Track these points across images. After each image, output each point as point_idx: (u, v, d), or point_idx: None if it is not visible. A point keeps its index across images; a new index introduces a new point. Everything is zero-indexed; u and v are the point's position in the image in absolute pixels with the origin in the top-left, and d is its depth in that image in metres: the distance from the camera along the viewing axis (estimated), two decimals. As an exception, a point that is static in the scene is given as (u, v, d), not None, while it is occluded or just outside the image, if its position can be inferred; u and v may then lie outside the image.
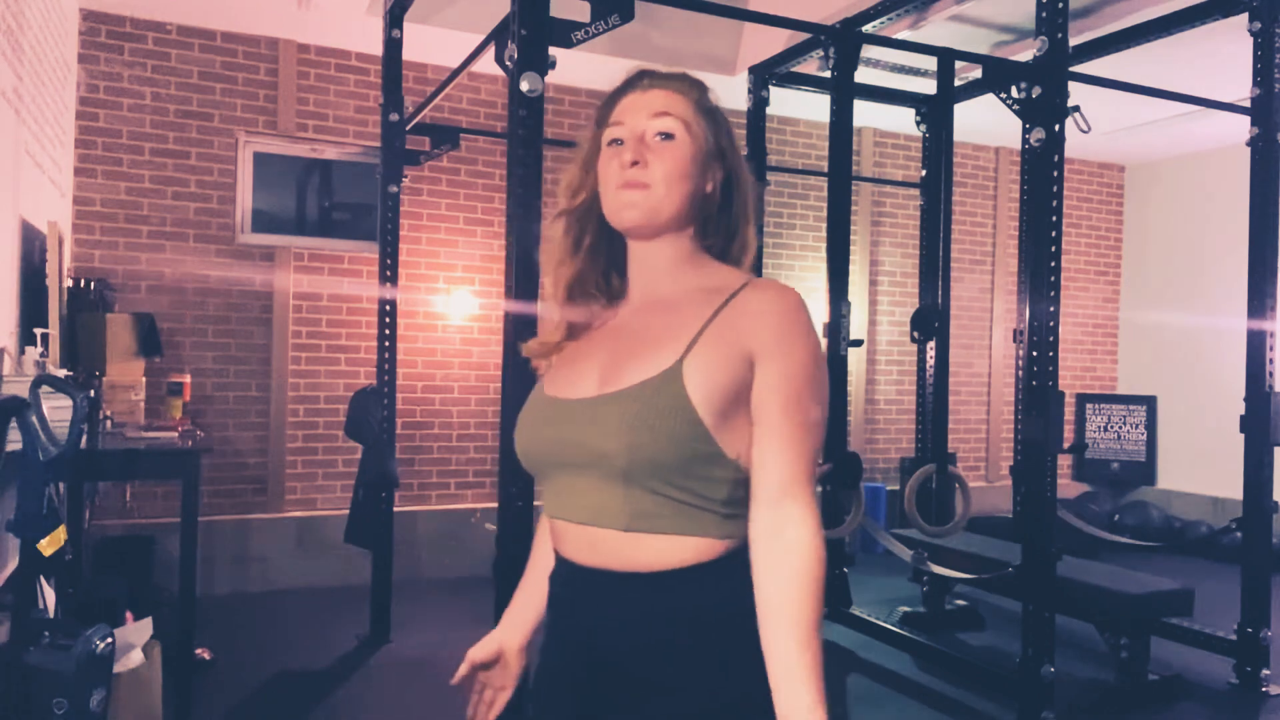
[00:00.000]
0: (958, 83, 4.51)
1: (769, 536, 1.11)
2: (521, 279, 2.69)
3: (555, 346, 1.29)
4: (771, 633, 1.08)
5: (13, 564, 2.66)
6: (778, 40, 4.57)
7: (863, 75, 4.12)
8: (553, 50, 2.71)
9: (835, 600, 4.49)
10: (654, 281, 1.24)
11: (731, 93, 4.73)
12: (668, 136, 1.20)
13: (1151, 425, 7.16)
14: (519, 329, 2.67)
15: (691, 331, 1.14)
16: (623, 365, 1.16)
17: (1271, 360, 3.90)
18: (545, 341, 1.30)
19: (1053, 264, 3.27)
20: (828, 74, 3.89)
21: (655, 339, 1.16)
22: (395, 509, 4.41)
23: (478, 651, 1.37)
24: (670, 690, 1.12)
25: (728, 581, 1.14)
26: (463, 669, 1.36)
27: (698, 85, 1.25)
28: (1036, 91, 3.29)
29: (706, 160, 1.22)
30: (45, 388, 2.43)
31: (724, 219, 1.26)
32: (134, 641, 2.82)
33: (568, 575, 1.22)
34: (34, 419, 2.30)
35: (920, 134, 4.97)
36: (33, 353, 3.09)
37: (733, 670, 1.12)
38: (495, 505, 2.84)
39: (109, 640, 2.37)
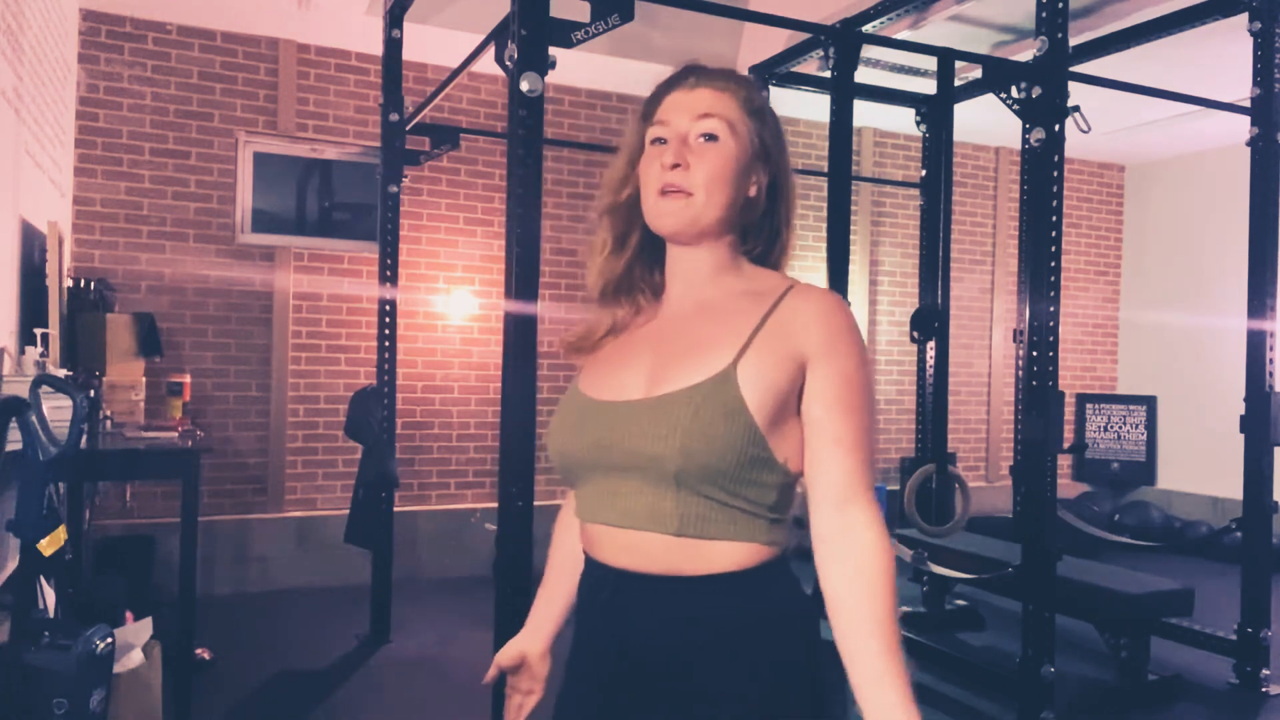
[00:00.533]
0: (958, 83, 4.50)
1: (836, 540, 1.09)
2: (521, 279, 2.68)
3: (598, 344, 1.26)
4: (851, 637, 1.06)
5: (13, 564, 2.65)
6: (778, 40, 4.57)
7: (863, 75, 4.11)
8: (553, 50, 2.71)
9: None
10: (694, 284, 1.22)
11: (731, 93, 4.72)
12: (711, 138, 1.17)
13: (1151, 425, 7.16)
14: (519, 329, 2.67)
15: (742, 335, 1.13)
16: (671, 368, 1.14)
17: (1271, 360, 3.90)
18: (589, 337, 1.27)
19: (1053, 264, 3.26)
20: (828, 74, 3.89)
21: (704, 342, 1.14)
22: (395, 509, 4.41)
23: (503, 656, 1.37)
24: (712, 695, 1.11)
25: (772, 586, 1.13)
26: (492, 672, 1.37)
27: (746, 83, 1.22)
28: (1036, 91, 3.28)
29: (751, 163, 1.20)
30: (45, 388, 2.43)
31: (767, 222, 1.24)
32: (134, 641, 2.82)
33: (602, 579, 1.19)
34: (34, 419, 2.30)
35: (920, 134, 4.97)
36: (33, 353, 3.09)
37: (775, 675, 1.11)
38: (495, 505, 2.84)
39: (109, 640, 2.37)
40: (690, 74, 1.21)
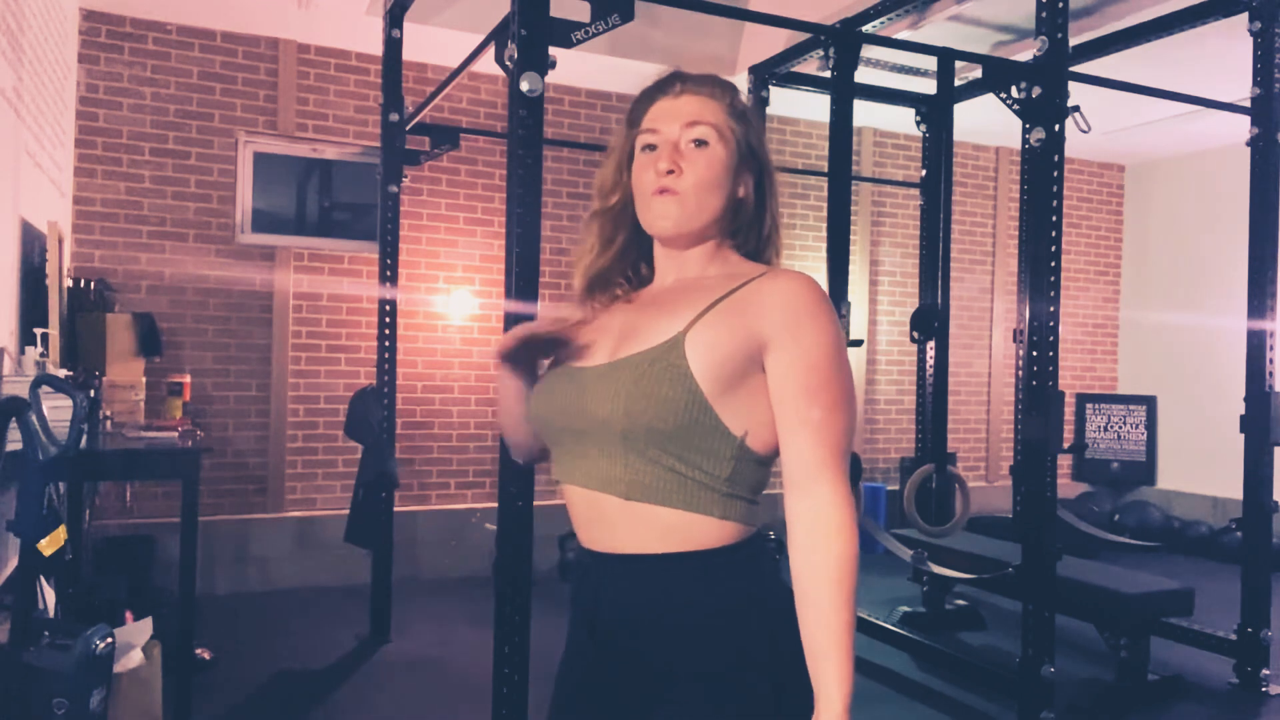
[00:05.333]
0: (958, 83, 4.51)
1: (798, 521, 1.13)
2: (521, 279, 2.68)
3: (571, 326, 1.29)
4: (802, 615, 1.11)
5: (13, 564, 2.66)
6: (778, 40, 4.57)
7: (863, 75, 4.11)
8: (553, 50, 2.71)
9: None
10: (680, 274, 1.27)
11: (731, 93, 4.72)
12: (701, 143, 1.21)
13: (1151, 425, 7.16)
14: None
15: (701, 306, 1.17)
16: (633, 337, 1.19)
17: (1271, 360, 3.90)
18: (562, 320, 1.29)
19: (1053, 264, 3.26)
20: (828, 74, 3.89)
21: (666, 314, 1.19)
22: (395, 509, 4.41)
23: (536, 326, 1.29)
24: (671, 677, 1.14)
25: (734, 572, 1.15)
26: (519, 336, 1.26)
27: (729, 89, 1.26)
28: (1036, 91, 3.28)
29: (739, 165, 1.24)
30: (45, 388, 2.43)
31: (756, 223, 1.28)
32: (134, 641, 2.82)
33: (580, 558, 1.25)
34: (34, 419, 2.30)
35: (920, 134, 4.97)
36: (33, 353, 3.10)
37: (737, 660, 1.14)
38: (495, 505, 2.84)
39: (109, 640, 2.37)
40: (675, 81, 1.26)
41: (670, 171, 1.20)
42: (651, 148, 1.23)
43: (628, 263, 1.30)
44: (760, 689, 1.13)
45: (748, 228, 1.27)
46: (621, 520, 1.16)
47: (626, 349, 1.18)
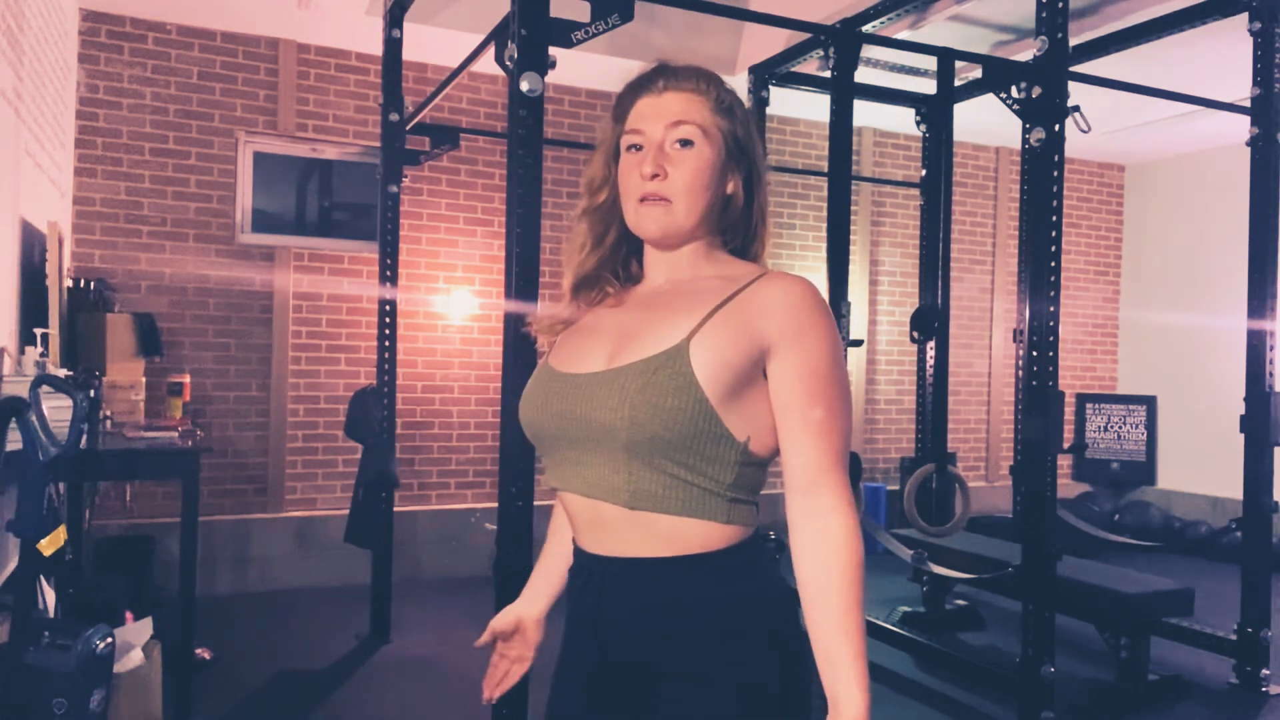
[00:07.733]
0: (958, 83, 4.51)
1: (803, 525, 1.12)
2: (521, 279, 2.68)
3: (564, 325, 1.29)
4: (812, 620, 1.11)
5: (13, 564, 2.66)
6: (778, 40, 4.57)
7: (863, 75, 4.11)
8: (553, 50, 2.71)
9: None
10: (670, 274, 1.25)
11: (731, 93, 4.72)
12: (686, 144, 1.19)
13: (1151, 425, 7.16)
14: (519, 329, 2.67)
15: (702, 313, 1.15)
16: (631, 342, 1.17)
17: (1271, 360, 3.90)
18: (556, 316, 1.30)
19: (1053, 264, 3.26)
20: (828, 74, 3.89)
21: (666, 319, 1.17)
22: (395, 509, 4.41)
23: (499, 621, 1.40)
24: (678, 681, 1.13)
25: (737, 573, 1.15)
26: (485, 635, 1.40)
27: (714, 82, 1.23)
28: (1036, 91, 3.28)
29: (726, 162, 1.22)
30: (45, 388, 2.43)
31: (745, 219, 1.26)
32: (134, 641, 2.82)
33: (580, 564, 1.23)
34: (34, 419, 2.30)
35: (920, 134, 4.97)
36: (33, 353, 3.09)
37: (739, 665, 1.13)
38: (495, 505, 2.84)
39: (109, 640, 2.38)
40: (659, 76, 1.23)
41: (655, 175, 1.18)
42: (637, 148, 1.21)
43: (619, 259, 1.29)
44: (765, 686, 1.13)
45: (736, 224, 1.26)
46: (624, 527, 1.14)
47: (626, 354, 1.15)
